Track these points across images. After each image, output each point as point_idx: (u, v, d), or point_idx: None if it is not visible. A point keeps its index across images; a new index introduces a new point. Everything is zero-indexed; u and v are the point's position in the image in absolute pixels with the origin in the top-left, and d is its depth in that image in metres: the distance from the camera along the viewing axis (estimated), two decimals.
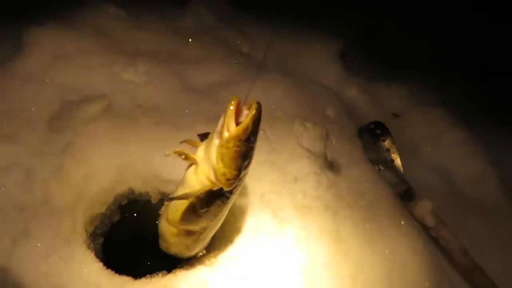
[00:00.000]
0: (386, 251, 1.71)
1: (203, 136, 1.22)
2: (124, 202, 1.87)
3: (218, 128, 1.05)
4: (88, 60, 2.02)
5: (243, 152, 1.05)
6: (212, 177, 1.11)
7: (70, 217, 1.50)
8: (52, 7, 2.34)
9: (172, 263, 1.75)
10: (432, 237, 2.00)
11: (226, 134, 1.02)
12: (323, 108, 2.28)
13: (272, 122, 1.97)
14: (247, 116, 1.01)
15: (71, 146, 1.65)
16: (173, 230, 1.32)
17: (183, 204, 1.19)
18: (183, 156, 1.15)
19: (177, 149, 1.16)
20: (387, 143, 2.25)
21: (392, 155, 2.23)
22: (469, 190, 2.51)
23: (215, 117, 1.80)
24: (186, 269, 1.61)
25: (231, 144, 1.02)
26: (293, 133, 1.95)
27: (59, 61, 1.97)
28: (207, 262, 1.59)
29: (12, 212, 1.42)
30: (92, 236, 1.74)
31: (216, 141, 1.05)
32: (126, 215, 1.93)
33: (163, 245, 1.52)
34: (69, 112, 1.74)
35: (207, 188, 1.12)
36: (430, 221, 1.98)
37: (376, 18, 3.76)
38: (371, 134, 2.30)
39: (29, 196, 1.46)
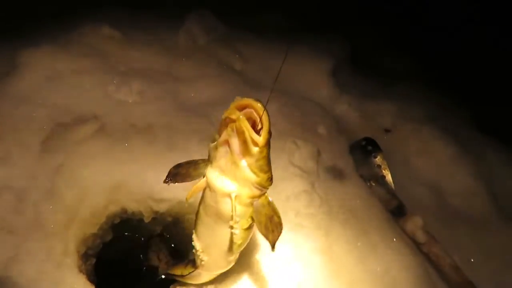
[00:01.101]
0: (378, 269, 1.72)
1: (173, 176, 1.22)
2: (117, 221, 1.87)
3: (235, 149, 1.00)
4: (82, 81, 2.04)
5: (269, 151, 1.06)
6: (256, 191, 1.09)
7: (62, 239, 1.50)
8: (46, 28, 2.37)
9: (164, 283, 1.75)
10: (423, 253, 2.02)
11: (256, 149, 0.99)
12: (314, 125, 2.32)
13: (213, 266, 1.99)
14: (245, 114, 0.97)
15: (64, 167, 1.65)
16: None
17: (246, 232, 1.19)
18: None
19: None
20: (378, 159, 2.29)
21: (383, 171, 2.26)
22: (459, 204, 2.54)
23: (208, 136, 1.83)
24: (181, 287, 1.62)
25: (264, 152, 1.02)
26: (286, 151, 1.98)
27: (52, 82, 1.99)
28: (201, 280, 1.59)
29: (2, 236, 1.41)
30: (84, 257, 1.73)
31: (242, 162, 1.02)
32: (119, 234, 1.93)
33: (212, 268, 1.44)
34: (61, 133, 1.74)
35: (255, 197, 1.12)
36: (421, 237, 2.00)
37: (366, 37, 3.87)
38: (363, 151, 2.34)
39: (20, 220, 1.46)
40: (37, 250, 1.40)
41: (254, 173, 1.04)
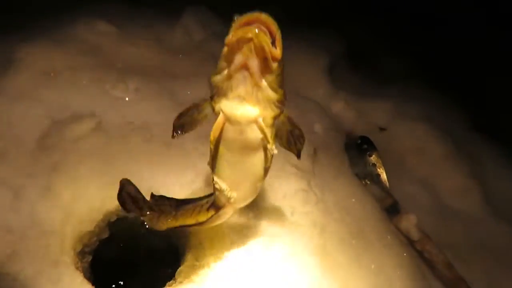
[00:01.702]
0: (372, 266, 1.74)
1: (180, 127, 1.18)
2: (113, 219, 1.87)
3: (255, 70, 0.94)
4: (78, 77, 2.03)
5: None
6: (276, 109, 1.05)
7: (59, 237, 1.50)
8: (42, 23, 2.35)
9: (161, 281, 1.76)
10: (417, 251, 2.05)
11: (275, 64, 0.94)
12: (311, 123, 2.34)
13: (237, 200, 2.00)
14: (253, 27, 0.88)
15: (60, 165, 1.65)
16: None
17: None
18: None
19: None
20: (373, 158, 2.31)
21: (378, 169, 2.29)
22: (452, 202, 2.58)
23: (205, 133, 1.84)
24: (176, 286, 1.62)
25: (281, 65, 0.97)
26: (282, 150, 1.99)
27: (49, 78, 1.98)
28: (196, 279, 1.60)
29: (0, 234, 1.41)
30: (80, 255, 1.74)
31: (263, 82, 0.97)
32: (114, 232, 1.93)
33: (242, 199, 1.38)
34: (58, 130, 1.74)
35: (277, 116, 1.07)
36: (415, 234, 2.03)
37: (362, 34, 3.87)
38: (358, 149, 2.36)
39: (17, 218, 1.46)
40: (34, 248, 1.40)
41: (275, 90, 1.00)
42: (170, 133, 1.96)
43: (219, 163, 1.20)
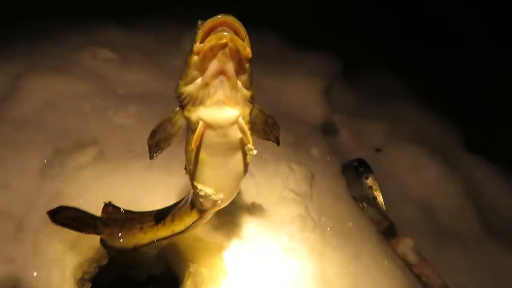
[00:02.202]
0: None
1: (155, 146, 1.16)
2: None
3: (231, 73, 0.95)
4: (81, 104, 2.08)
5: None
6: (251, 105, 1.07)
7: (60, 266, 1.52)
8: (46, 50, 2.42)
9: None
10: (415, 274, 2.06)
11: (247, 64, 0.96)
12: (308, 147, 2.39)
13: (259, 164, 2.05)
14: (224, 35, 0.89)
15: (62, 194, 1.68)
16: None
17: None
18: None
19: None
20: (369, 181, 2.35)
21: (374, 192, 2.32)
22: (449, 223, 2.60)
23: None
24: None
25: (250, 64, 0.99)
26: (280, 175, 2.03)
27: (53, 105, 2.03)
28: None
29: (2, 265, 1.42)
30: (80, 282, 1.75)
31: (239, 83, 0.99)
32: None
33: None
34: (60, 159, 1.77)
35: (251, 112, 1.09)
36: (412, 258, 2.05)
37: (358, 55, 3.96)
38: (354, 172, 2.40)
39: (20, 248, 1.48)
40: (36, 280, 1.42)
41: (248, 88, 1.02)
42: (170, 159, 2.03)
43: (203, 170, 1.18)
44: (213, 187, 1.22)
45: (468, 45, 4.24)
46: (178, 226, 1.40)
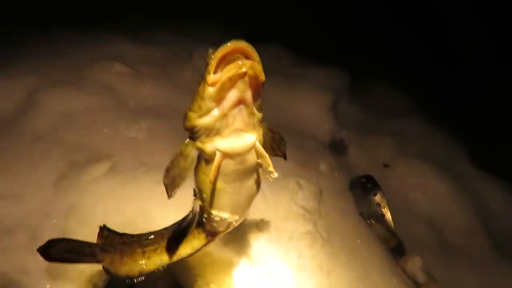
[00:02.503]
0: None
1: (171, 184, 1.12)
2: None
3: (250, 101, 0.93)
4: (94, 119, 2.13)
5: None
6: (262, 126, 1.06)
7: (72, 280, 1.53)
8: (60, 66, 2.48)
9: None
10: None
11: (262, 88, 0.95)
12: (316, 163, 2.40)
13: (268, 180, 2.06)
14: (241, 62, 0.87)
15: (76, 206, 1.71)
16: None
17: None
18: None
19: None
20: (377, 198, 2.35)
21: (382, 209, 2.32)
22: (457, 241, 2.59)
23: None
24: None
25: None
26: (289, 191, 2.05)
27: (66, 120, 2.07)
28: None
29: (16, 276, 1.45)
30: None
31: (255, 109, 0.97)
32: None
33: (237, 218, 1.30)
34: (75, 172, 1.81)
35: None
36: (421, 277, 2.04)
37: (365, 70, 4.01)
38: (362, 188, 2.40)
39: (34, 260, 1.50)
40: None
41: (260, 110, 1.00)
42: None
43: (219, 197, 1.15)
44: (229, 211, 1.21)
45: (477, 61, 4.27)
46: (185, 250, 1.35)
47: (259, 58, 0.90)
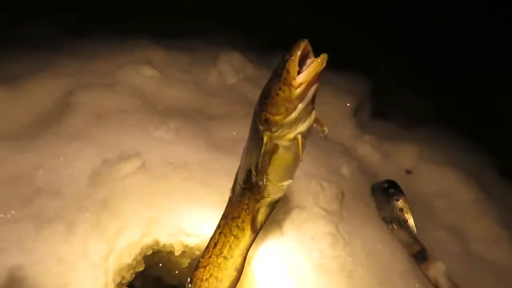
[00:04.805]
0: None
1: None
2: (149, 252, 1.99)
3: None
4: (126, 120, 2.24)
5: None
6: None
7: (104, 270, 1.62)
8: (94, 69, 2.62)
9: None
10: None
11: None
12: (338, 166, 2.42)
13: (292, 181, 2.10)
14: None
15: (108, 201, 1.81)
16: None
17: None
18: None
19: None
20: (400, 203, 2.34)
21: (405, 214, 2.31)
22: (482, 250, 2.53)
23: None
24: None
25: None
26: (311, 193, 2.08)
27: (100, 120, 2.19)
28: None
29: (54, 264, 1.54)
30: (118, 287, 1.85)
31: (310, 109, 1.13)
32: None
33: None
34: (107, 169, 1.91)
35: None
36: (443, 284, 2.01)
37: (388, 76, 3.99)
38: (385, 193, 2.40)
39: (69, 249, 1.60)
40: (83, 281, 1.52)
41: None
42: (206, 172, 2.12)
43: (287, 171, 1.34)
44: (291, 178, 1.39)
45: (501, 68, 4.18)
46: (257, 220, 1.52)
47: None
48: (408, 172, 2.92)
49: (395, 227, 2.27)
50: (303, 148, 1.22)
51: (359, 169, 2.52)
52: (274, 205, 1.55)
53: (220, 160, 2.19)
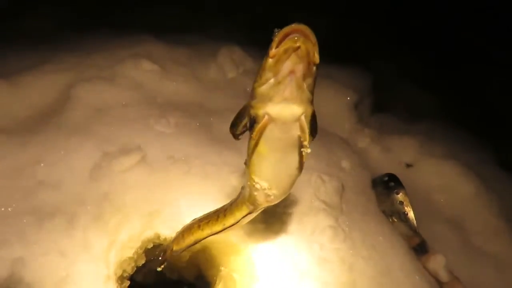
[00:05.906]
0: None
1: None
2: (150, 245, 2.00)
3: (299, 74, 1.04)
4: (126, 113, 2.23)
5: None
6: (312, 107, 1.15)
7: (105, 263, 1.63)
8: (94, 63, 2.61)
9: None
10: None
11: (314, 68, 1.06)
12: (338, 160, 2.42)
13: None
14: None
15: (109, 194, 1.81)
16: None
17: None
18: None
19: None
20: (400, 196, 2.35)
21: (405, 208, 2.31)
22: (482, 243, 2.54)
23: (237, 167, 1.95)
24: None
25: (317, 70, 1.08)
26: (311, 186, 2.08)
27: (100, 113, 2.19)
28: None
29: (55, 257, 1.55)
30: (120, 280, 1.86)
31: (304, 85, 1.07)
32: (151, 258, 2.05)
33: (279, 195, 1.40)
34: (108, 162, 1.91)
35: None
36: (443, 276, 2.03)
37: (388, 70, 3.98)
38: (385, 186, 2.41)
39: (70, 242, 1.60)
40: (85, 273, 1.53)
41: (311, 92, 1.11)
42: (206, 166, 2.12)
43: (261, 164, 1.25)
44: (268, 182, 1.29)
45: (501, 62, 4.16)
46: (228, 220, 1.51)
47: (316, 41, 1.02)
48: (409, 165, 2.93)
49: (395, 220, 2.28)
50: (281, 149, 1.19)
51: (359, 163, 2.52)
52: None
53: (220, 154, 2.19)
